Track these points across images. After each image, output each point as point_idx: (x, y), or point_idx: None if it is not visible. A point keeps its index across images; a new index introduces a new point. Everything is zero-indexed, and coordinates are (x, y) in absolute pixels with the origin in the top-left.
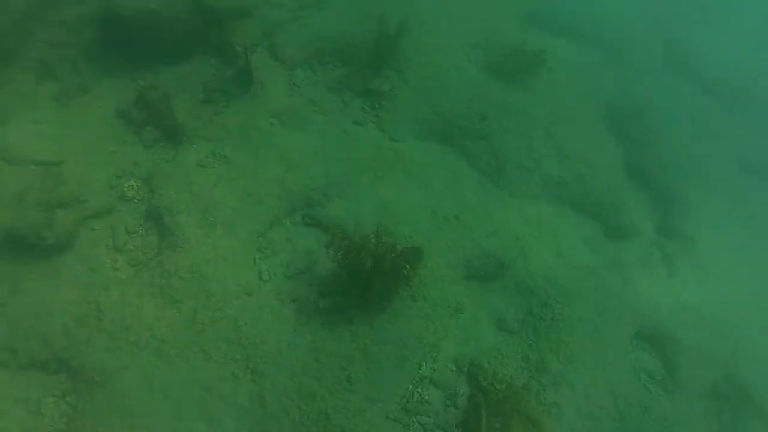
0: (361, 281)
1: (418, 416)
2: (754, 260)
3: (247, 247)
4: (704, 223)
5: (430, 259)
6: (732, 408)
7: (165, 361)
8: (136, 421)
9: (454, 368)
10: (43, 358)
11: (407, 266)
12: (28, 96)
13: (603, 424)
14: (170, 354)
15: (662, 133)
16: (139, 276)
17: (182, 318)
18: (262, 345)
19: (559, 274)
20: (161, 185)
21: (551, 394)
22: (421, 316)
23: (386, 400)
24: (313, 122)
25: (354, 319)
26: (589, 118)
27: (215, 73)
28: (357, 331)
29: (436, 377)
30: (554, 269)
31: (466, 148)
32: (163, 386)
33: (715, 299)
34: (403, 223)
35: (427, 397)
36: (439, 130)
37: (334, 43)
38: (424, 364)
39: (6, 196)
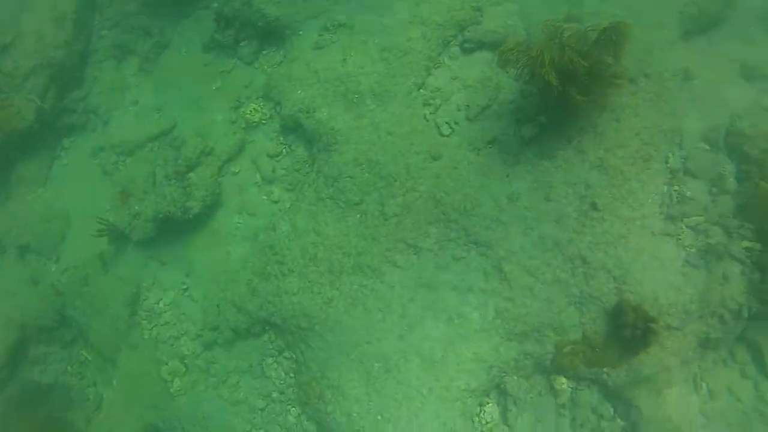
0: (557, 97)
1: (685, 220)
2: None
3: (410, 106)
4: None
5: (636, 28)
6: None
7: (370, 276)
8: (363, 349)
9: (707, 147)
10: (244, 325)
11: (610, 54)
12: (116, 82)
13: None
14: (374, 266)
15: None
16: (303, 197)
17: (369, 220)
18: (476, 211)
19: None
20: (284, 91)
21: None
22: (648, 99)
23: (644, 214)
24: None
25: (572, 135)
26: None
27: None
28: (582, 147)
29: (690, 166)
30: None
31: None
32: (376, 305)
33: None
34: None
35: (688, 193)
36: None
37: None
38: (671, 155)
39: (139, 187)
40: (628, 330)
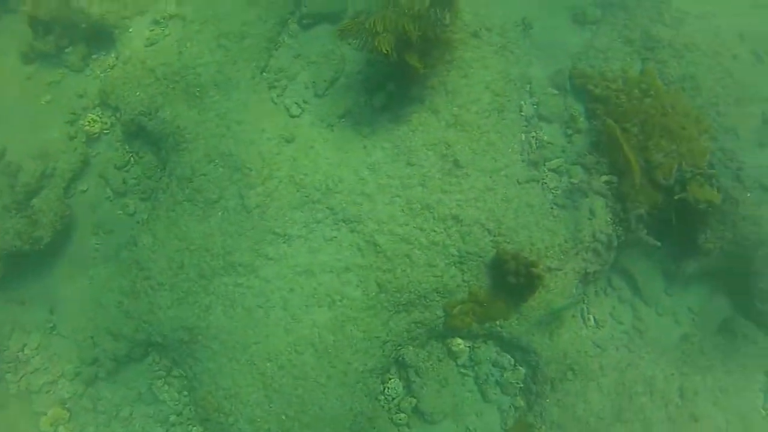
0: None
1: (546, 163)
2: None
3: (256, 92)
4: None
5: None
6: None
7: (243, 274)
8: (252, 350)
9: (555, 91)
10: (124, 351)
11: (446, 13)
12: None
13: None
14: (245, 263)
15: None
16: (159, 204)
17: (231, 216)
18: (339, 188)
19: None
20: (122, 95)
21: (675, 65)
22: (493, 51)
23: (507, 164)
24: None
25: (424, 97)
26: None
27: None
28: (435, 107)
29: (542, 111)
30: None
31: None
32: (255, 302)
33: None
34: None
35: (546, 137)
36: None
37: None
38: (524, 103)
39: None
40: (512, 278)
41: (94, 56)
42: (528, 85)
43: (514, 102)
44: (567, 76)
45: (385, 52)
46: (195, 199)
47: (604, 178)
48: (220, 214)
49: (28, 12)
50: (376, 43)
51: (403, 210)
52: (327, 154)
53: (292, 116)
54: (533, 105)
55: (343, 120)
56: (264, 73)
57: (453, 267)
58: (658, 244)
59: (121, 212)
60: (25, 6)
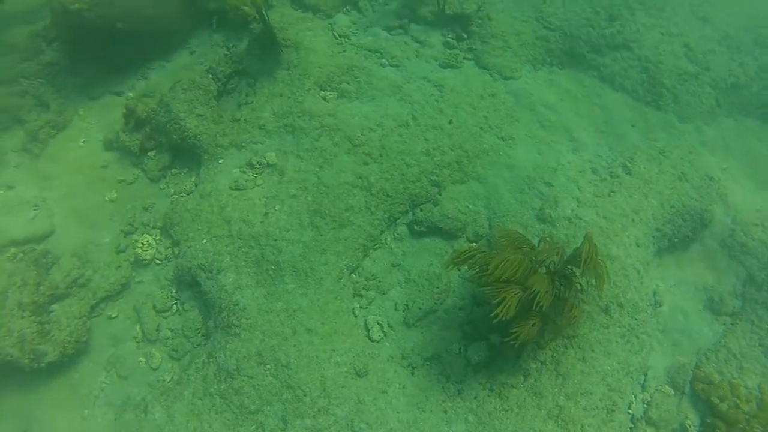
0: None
1: None
2: None
3: (338, 296)
4: None
5: (612, 244)
6: None
7: None
8: None
9: (672, 391)
10: None
11: (580, 281)
12: None
13: None
14: None
15: None
16: (187, 380)
17: None
18: None
19: None
20: (187, 233)
21: None
22: (620, 335)
23: None
24: (384, 80)
25: (529, 370)
26: None
27: (225, 51)
28: (540, 388)
29: (652, 413)
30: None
31: (603, 66)
32: None
33: None
34: (560, 197)
35: None
36: (559, 50)
37: None
38: (634, 398)
39: None
40: None
41: (174, 170)
42: (643, 377)
43: (626, 398)
44: (689, 376)
45: (510, 310)
46: (230, 399)
47: None
48: (253, 428)
49: (127, 102)
50: (501, 299)
51: None
52: (400, 406)
53: (372, 340)
54: (644, 403)
55: (428, 365)
56: (353, 275)
57: None
58: None
59: (143, 360)
60: (131, 93)
